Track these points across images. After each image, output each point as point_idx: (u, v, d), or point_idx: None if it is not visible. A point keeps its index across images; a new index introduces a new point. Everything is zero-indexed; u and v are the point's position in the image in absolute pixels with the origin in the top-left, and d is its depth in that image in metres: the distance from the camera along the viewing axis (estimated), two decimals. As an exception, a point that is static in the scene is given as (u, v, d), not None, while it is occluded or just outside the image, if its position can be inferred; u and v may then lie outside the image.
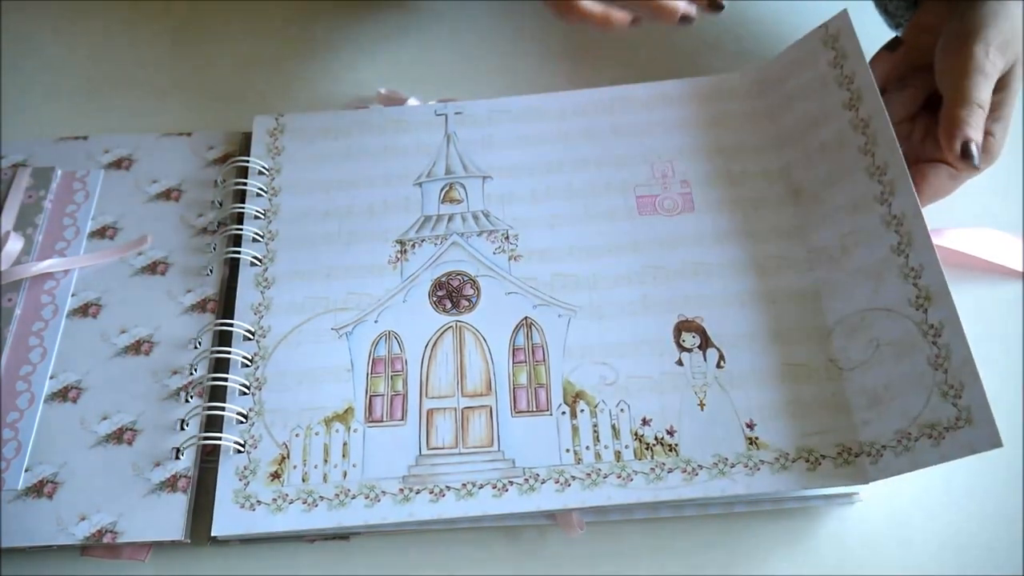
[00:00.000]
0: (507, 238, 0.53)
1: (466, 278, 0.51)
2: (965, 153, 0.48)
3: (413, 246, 0.53)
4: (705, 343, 0.48)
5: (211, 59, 0.66)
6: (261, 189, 0.56)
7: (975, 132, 0.48)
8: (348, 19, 0.68)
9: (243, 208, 0.55)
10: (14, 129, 0.62)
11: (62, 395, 0.50)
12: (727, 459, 0.45)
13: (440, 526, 0.46)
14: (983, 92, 0.48)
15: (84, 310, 0.53)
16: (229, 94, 0.64)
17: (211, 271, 0.53)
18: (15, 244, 0.54)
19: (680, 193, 0.54)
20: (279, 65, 0.65)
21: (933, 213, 0.54)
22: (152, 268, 0.54)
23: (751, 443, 0.45)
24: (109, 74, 0.66)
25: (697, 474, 0.44)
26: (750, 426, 0.46)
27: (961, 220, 0.54)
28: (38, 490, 0.47)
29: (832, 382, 0.46)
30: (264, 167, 0.57)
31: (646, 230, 0.52)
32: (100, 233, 0.56)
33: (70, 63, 0.66)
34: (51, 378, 0.50)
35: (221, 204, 0.56)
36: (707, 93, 0.57)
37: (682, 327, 0.49)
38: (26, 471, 0.47)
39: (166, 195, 0.57)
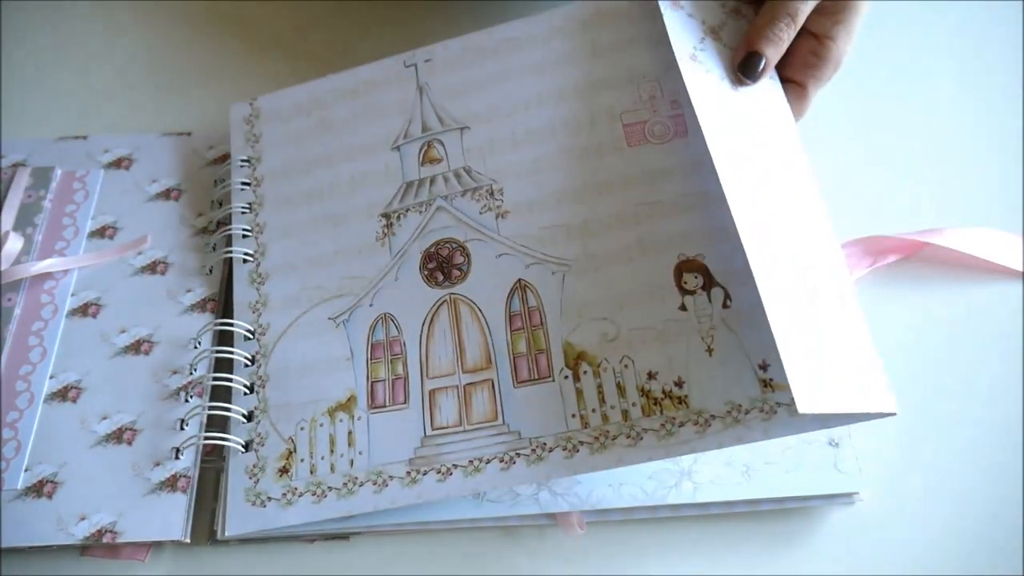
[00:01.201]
0: (491, 194, 0.51)
1: (455, 245, 0.50)
2: (746, 65, 0.48)
3: (398, 217, 0.52)
4: (709, 282, 0.45)
5: (211, 59, 0.66)
6: (244, 182, 0.55)
7: (768, 44, 0.47)
8: (349, 19, 0.68)
9: (234, 207, 0.55)
10: (14, 129, 0.62)
11: (62, 395, 0.50)
12: (740, 405, 0.42)
13: (441, 525, 0.46)
14: (800, 2, 0.47)
15: (84, 310, 0.53)
16: (230, 93, 0.63)
17: (211, 271, 0.53)
18: (15, 244, 0.54)
19: (671, 116, 0.49)
20: (279, 65, 0.65)
21: (933, 213, 0.54)
22: (152, 268, 0.54)
23: (765, 385, 0.42)
24: (109, 74, 0.66)
25: (710, 425, 0.42)
26: (763, 367, 0.42)
27: (961, 220, 0.54)
28: (38, 490, 0.47)
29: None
30: (242, 159, 0.56)
31: (637, 162, 0.48)
32: (100, 233, 0.56)
33: (70, 63, 0.66)
34: (51, 378, 0.50)
35: (220, 204, 0.56)
36: None
37: (683, 267, 0.46)
38: (26, 471, 0.47)
39: (166, 195, 0.57)
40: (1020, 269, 0.52)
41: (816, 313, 0.42)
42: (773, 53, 0.48)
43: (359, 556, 0.47)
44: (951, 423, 0.48)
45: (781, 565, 0.45)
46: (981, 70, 0.61)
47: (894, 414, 0.40)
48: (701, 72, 0.47)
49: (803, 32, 0.49)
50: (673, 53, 0.48)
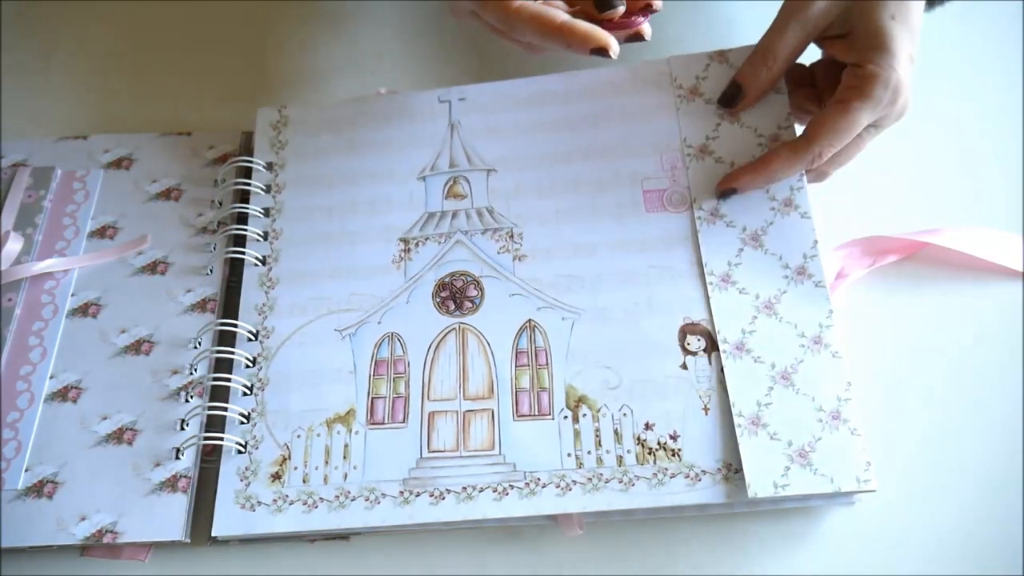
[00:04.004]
0: (511, 236, 0.52)
1: (470, 278, 0.51)
2: (725, 94, 0.52)
3: (416, 245, 0.52)
4: (711, 346, 0.47)
5: (212, 58, 0.66)
6: (263, 188, 0.56)
7: (746, 76, 0.51)
8: (349, 17, 0.68)
9: (246, 208, 0.55)
10: (14, 129, 0.62)
11: (62, 395, 0.50)
12: (731, 465, 0.44)
13: (441, 525, 0.46)
14: (777, 38, 0.49)
15: (84, 310, 0.53)
16: (229, 93, 0.64)
17: (211, 271, 0.53)
18: (15, 244, 0.54)
19: (688, 187, 0.51)
20: (279, 64, 0.65)
21: (932, 212, 0.54)
22: (152, 268, 0.54)
23: None
24: (109, 74, 0.66)
25: (700, 479, 0.44)
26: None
27: (961, 220, 0.54)
28: (38, 490, 0.47)
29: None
30: (262, 165, 0.56)
31: (653, 228, 0.51)
32: (100, 233, 0.56)
33: (70, 63, 0.66)
34: (51, 378, 0.50)
35: (221, 204, 0.56)
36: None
37: (687, 330, 0.48)
38: (26, 471, 0.47)
39: (166, 195, 0.57)
40: (1020, 269, 0.52)
41: (792, 395, 0.45)
42: (750, 86, 0.51)
43: (359, 556, 0.47)
44: (951, 423, 0.48)
45: (781, 565, 0.45)
46: (981, 70, 0.61)
47: (873, 491, 0.43)
48: (735, 295, 0.48)
49: (844, 65, 0.49)
50: (704, 273, 0.49)
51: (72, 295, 0.53)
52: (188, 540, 0.46)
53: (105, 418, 0.49)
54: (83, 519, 0.46)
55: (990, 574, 0.44)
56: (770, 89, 0.52)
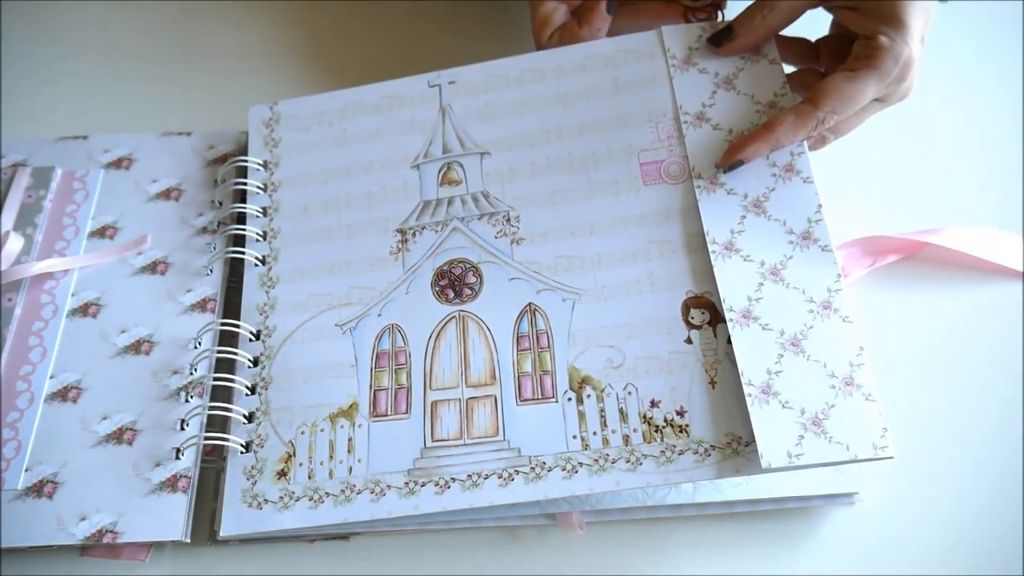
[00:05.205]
0: (508, 220, 0.51)
1: (468, 265, 0.51)
2: (715, 34, 0.52)
3: (414, 234, 0.52)
4: (715, 318, 0.46)
5: (211, 58, 0.66)
6: (260, 187, 0.56)
7: (740, 23, 0.51)
8: (347, 16, 0.68)
9: (244, 208, 0.55)
10: (14, 129, 0.62)
11: (62, 395, 0.50)
12: (740, 438, 0.43)
13: (441, 525, 0.46)
14: None
15: (84, 310, 0.53)
16: (229, 93, 0.64)
17: (211, 271, 0.53)
18: (15, 244, 0.54)
19: (686, 156, 0.50)
20: (279, 64, 0.65)
21: (932, 212, 0.54)
22: (152, 268, 0.54)
23: None
24: (109, 73, 0.66)
25: (709, 455, 0.43)
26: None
27: (961, 220, 0.54)
28: (38, 490, 0.47)
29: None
30: (259, 163, 0.56)
31: (652, 202, 0.50)
32: (100, 233, 0.56)
33: (70, 62, 0.66)
34: (51, 378, 0.50)
35: (221, 204, 0.56)
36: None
37: (690, 303, 0.47)
38: (26, 471, 0.47)
39: (166, 194, 0.57)
40: (1020, 269, 0.52)
41: (804, 359, 0.44)
42: (743, 31, 0.51)
43: (359, 556, 0.47)
44: (951, 423, 0.48)
45: (781, 565, 0.45)
46: (981, 70, 0.61)
47: (891, 457, 0.42)
48: (739, 263, 0.47)
49: (856, 36, 0.49)
50: (706, 243, 0.48)
51: (72, 295, 0.53)
52: (188, 540, 0.46)
53: (105, 418, 0.49)
54: (83, 519, 0.46)
55: (990, 574, 0.44)
56: (762, 40, 0.51)
